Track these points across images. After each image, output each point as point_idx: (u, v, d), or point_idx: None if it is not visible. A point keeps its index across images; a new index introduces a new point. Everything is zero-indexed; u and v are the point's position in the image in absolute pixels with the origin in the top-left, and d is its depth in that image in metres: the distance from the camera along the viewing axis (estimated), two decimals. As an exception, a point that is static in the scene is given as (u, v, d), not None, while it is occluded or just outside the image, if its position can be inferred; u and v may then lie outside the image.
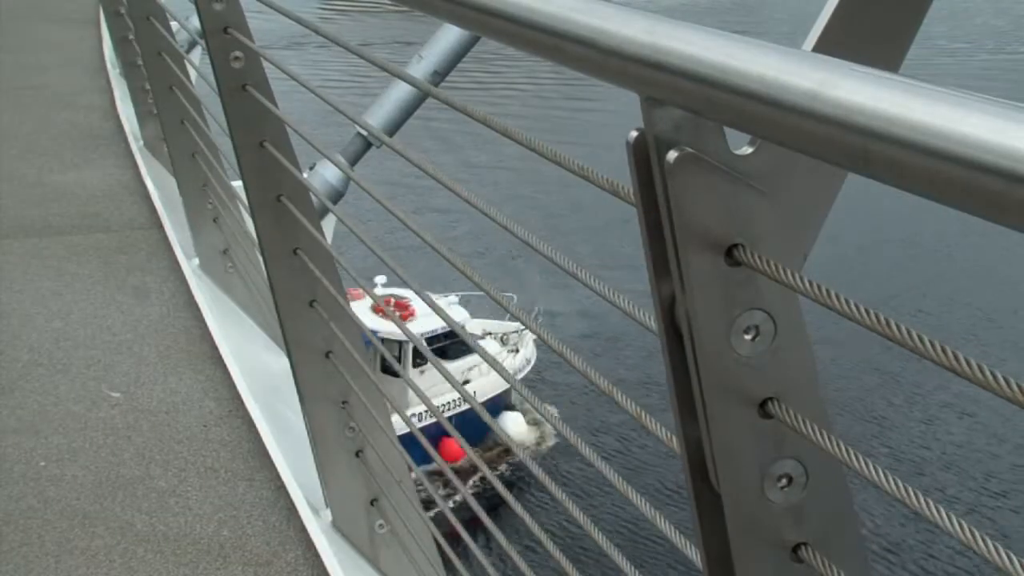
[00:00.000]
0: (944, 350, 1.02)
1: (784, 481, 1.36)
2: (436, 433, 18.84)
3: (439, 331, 23.02)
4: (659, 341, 1.36)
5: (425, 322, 22.19)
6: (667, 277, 1.31)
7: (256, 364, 4.98)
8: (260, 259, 3.69)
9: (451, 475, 2.94)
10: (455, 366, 23.77)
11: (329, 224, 7.68)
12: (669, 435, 1.58)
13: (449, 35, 9.68)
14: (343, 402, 3.59)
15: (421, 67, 9.68)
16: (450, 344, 24.11)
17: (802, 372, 1.34)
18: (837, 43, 1.78)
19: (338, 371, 3.53)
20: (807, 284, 1.20)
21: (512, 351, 26.39)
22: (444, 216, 29.69)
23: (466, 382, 23.67)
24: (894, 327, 1.07)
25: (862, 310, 1.10)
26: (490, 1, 1.54)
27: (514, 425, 25.18)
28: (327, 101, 3.13)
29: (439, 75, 9.78)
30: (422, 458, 3.41)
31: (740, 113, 1.11)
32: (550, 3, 1.41)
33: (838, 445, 1.26)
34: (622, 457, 23.07)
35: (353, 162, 10.35)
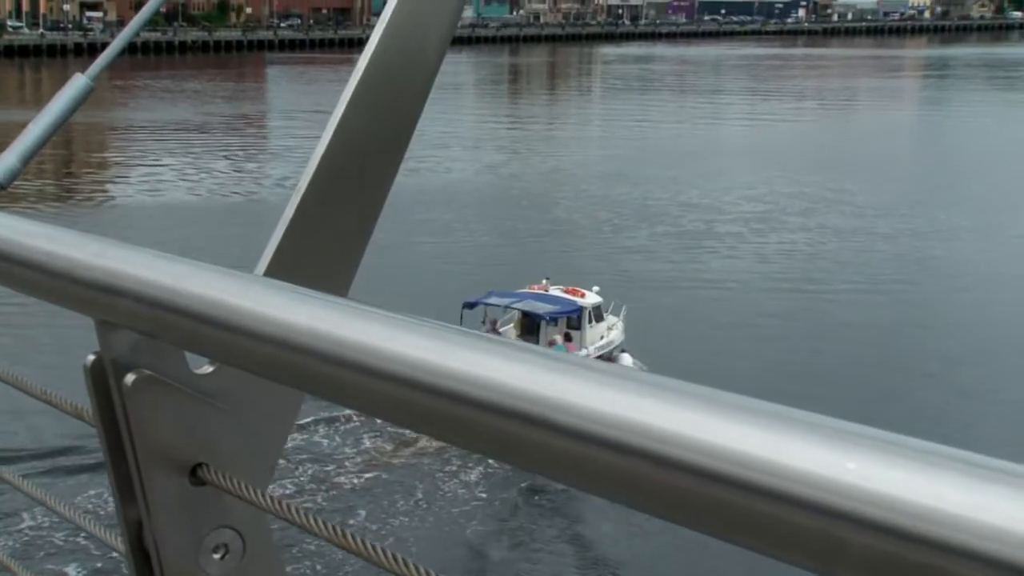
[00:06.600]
0: (394, 557, 1.06)
1: None
2: None
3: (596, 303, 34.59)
4: (125, 567, 1.31)
5: (592, 298, 34.55)
6: (133, 501, 1.28)
7: None
8: None
9: None
10: (602, 324, 34.67)
11: None
12: None
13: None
14: None
15: None
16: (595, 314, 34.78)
17: None
18: (287, 266, 1.84)
19: None
20: (270, 501, 1.21)
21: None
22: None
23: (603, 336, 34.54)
24: (349, 538, 1.10)
25: (320, 523, 1.13)
26: None
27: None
28: None
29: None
30: None
31: (192, 336, 1.12)
32: None
33: None
34: None
35: None
